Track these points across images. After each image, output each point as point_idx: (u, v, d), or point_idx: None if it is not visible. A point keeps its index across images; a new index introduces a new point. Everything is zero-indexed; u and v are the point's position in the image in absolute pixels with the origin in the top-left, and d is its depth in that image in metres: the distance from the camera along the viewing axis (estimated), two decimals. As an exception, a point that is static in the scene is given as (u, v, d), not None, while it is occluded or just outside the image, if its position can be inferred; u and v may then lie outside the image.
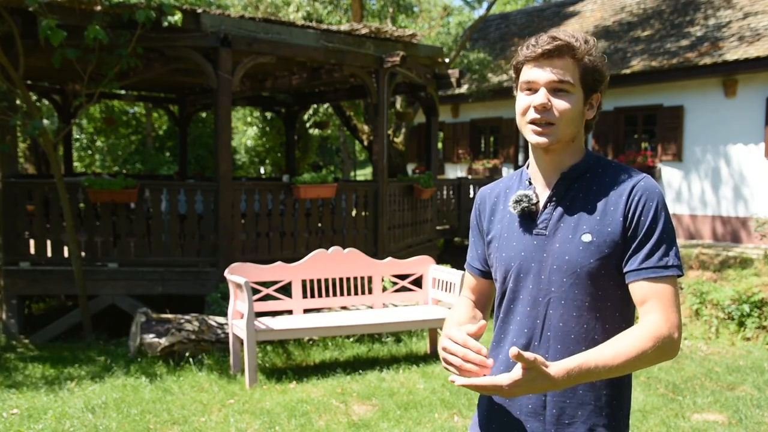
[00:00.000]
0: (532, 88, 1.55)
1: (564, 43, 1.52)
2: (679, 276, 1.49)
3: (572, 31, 1.58)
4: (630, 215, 1.52)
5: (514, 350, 1.31)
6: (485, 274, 1.80)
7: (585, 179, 1.59)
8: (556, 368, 1.38)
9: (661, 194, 1.55)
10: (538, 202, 1.60)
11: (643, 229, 1.51)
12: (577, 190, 1.58)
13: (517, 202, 1.61)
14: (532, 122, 1.54)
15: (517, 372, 1.35)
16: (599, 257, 1.51)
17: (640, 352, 1.42)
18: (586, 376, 1.41)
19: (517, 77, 1.60)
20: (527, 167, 1.69)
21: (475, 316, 1.81)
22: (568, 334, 1.53)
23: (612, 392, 1.55)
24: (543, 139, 1.54)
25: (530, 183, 1.65)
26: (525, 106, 1.56)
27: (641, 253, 1.50)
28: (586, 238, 1.52)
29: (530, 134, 1.56)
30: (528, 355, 1.33)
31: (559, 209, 1.57)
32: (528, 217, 1.61)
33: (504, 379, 1.36)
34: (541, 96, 1.52)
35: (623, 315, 1.57)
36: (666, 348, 1.45)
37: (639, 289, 1.50)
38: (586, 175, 1.59)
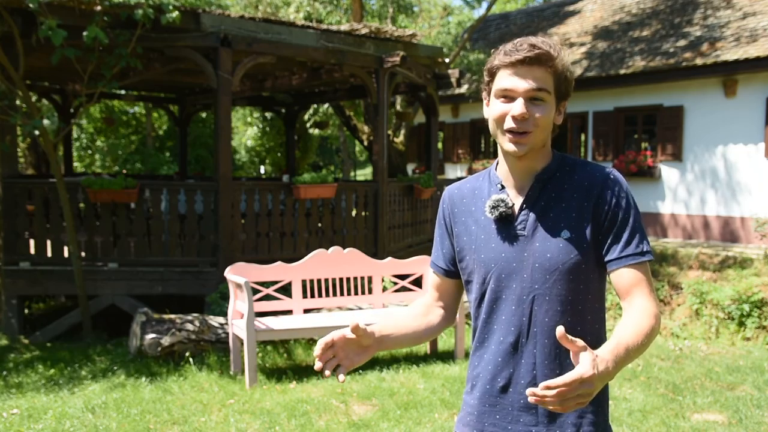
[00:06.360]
0: (508, 96, 1.55)
1: (544, 52, 1.52)
2: (651, 261, 1.58)
3: (544, 38, 1.57)
4: (605, 208, 1.58)
5: (560, 330, 1.26)
6: (450, 273, 1.80)
7: (556, 179, 1.63)
8: (603, 356, 1.34)
9: (628, 186, 1.62)
10: (513, 205, 1.63)
11: (619, 220, 1.57)
12: (549, 190, 1.62)
13: (494, 207, 1.63)
14: (509, 131, 1.55)
15: (583, 361, 1.27)
16: (579, 252, 1.56)
17: (648, 330, 1.48)
18: (624, 360, 1.41)
19: (490, 81, 1.59)
20: (495, 168, 1.71)
21: (426, 314, 1.82)
22: (553, 329, 1.57)
23: None
24: (519, 148, 1.55)
25: (502, 187, 1.67)
26: (501, 114, 1.56)
27: (620, 242, 1.57)
28: (565, 235, 1.57)
29: (506, 143, 1.57)
30: (574, 339, 1.29)
31: (536, 210, 1.61)
32: (505, 220, 1.64)
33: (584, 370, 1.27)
34: (520, 106, 1.52)
35: (601, 306, 1.64)
36: (658, 325, 1.53)
37: (621, 276, 1.57)
38: (557, 175, 1.63)
